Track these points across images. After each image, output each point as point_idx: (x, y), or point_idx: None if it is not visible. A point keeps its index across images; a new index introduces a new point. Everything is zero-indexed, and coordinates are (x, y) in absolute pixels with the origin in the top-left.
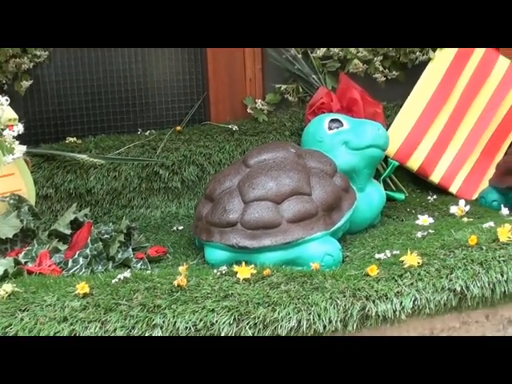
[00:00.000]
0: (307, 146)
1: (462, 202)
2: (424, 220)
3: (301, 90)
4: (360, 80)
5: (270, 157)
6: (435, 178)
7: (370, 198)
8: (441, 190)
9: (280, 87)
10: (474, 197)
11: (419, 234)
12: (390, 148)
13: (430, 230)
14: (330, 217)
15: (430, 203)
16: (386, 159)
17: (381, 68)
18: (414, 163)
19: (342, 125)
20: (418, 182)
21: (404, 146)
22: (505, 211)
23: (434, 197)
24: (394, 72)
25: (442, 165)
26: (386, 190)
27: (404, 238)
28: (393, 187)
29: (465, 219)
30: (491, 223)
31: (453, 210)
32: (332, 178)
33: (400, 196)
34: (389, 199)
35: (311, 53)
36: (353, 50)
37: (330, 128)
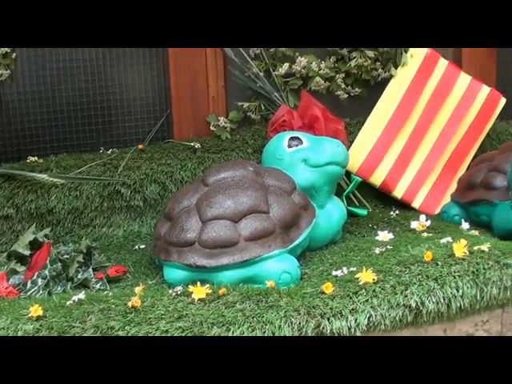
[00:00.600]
0: (267, 164)
1: (422, 217)
2: (384, 236)
3: (263, 107)
4: (322, 97)
5: (229, 175)
6: (398, 193)
7: (330, 214)
8: (404, 205)
9: (242, 105)
10: (437, 211)
11: (377, 251)
12: (353, 164)
13: (389, 246)
14: (288, 234)
15: (392, 218)
16: (349, 175)
17: (343, 85)
18: (377, 179)
19: (302, 142)
20: (381, 197)
21: (367, 162)
22: (465, 226)
23: (397, 212)
24: (356, 89)
25: (405, 180)
26: (349, 205)
27: (363, 255)
28: (356, 203)
29: (424, 234)
30: (449, 238)
31: (413, 225)
32: (290, 195)
33: (362, 212)
34: (352, 215)
35: (273, 71)
36: (314, 67)
37: (289, 146)
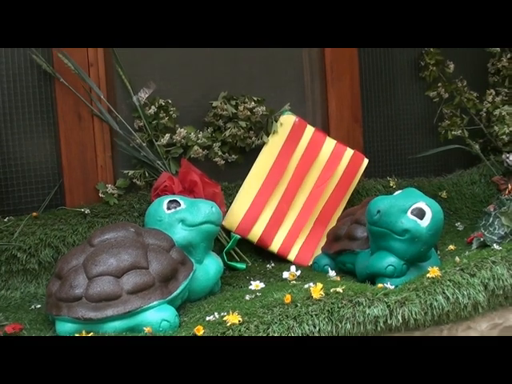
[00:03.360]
0: (149, 225)
1: (293, 268)
2: (256, 285)
3: (147, 174)
4: (202, 164)
5: (112, 236)
6: (274, 247)
7: (208, 268)
8: (280, 259)
9: (127, 172)
10: (310, 263)
11: (247, 297)
12: (232, 223)
13: (258, 293)
14: (167, 287)
15: (268, 270)
16: (229, 233)
17: (220, 153)
18: (254, 236)
19: (180, 205)
20: (260, 251)
21: (244, 221)
22: (332, 273)
23: (273, 264)
24: (233, 155)
25: (280, 236)
26: (229, 261)
27: (235, 302)
28: (237, 258)
29: (293, 282)
30: (311, 283)
31: (285, 275)
32: (169, 252)
33: (242, 266)
34: (232, 269)
35: (156, 141)
36: (193, 137)
37: (168, 208)
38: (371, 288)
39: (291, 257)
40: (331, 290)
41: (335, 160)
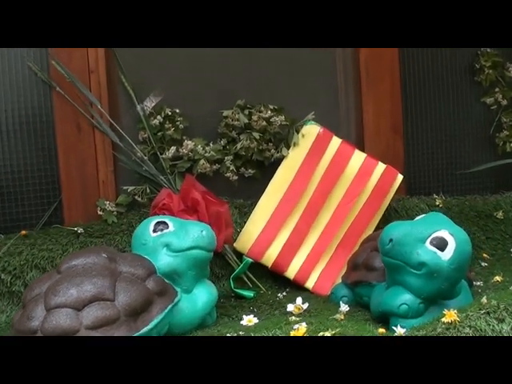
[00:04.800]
0: (134, 249)
1: (299, 300)
2: (249, 320)
3: (148, 190)
4: (215, 180)
5: (80, 262)
6: (290, 273)
7: (196, 299)
8: (298, 286)
9: (127, 189)
10: (329, 292)
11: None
12: (244, 245)
13: (241, 332)
14: (136, 321)
15: (277, 301)
16: (242, 256)
17: (232, 167)
18: (268, 260)
19: (168, 227)
20: (278, 277)
21: (258, 243)
22: (343, 307)
23: (284, 293)
24: (249, 170)
25: (298, 260)
26: (237, 287)
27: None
28: (249, 284)
29: (293, 318)
30: (303, 323)
31: (290, 308)
32: (145, 281)
33: (249, 294)
34: (239, 297)
35: (161, 154)
36: (200, 150)
37: (154, 230)
38: (372, 332)
39: (309, 284)
40: (319, 334)
41: (364, 176)
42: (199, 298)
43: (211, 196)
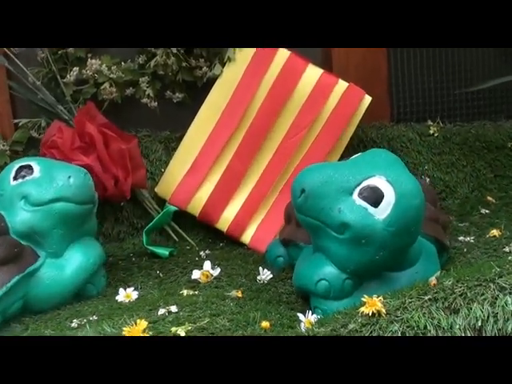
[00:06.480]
0: None
1: (207, 265)
2: (126, 295)
3: (44, 124)
4: (129, 109)
5: None
6: (222, 225)
7: (64, 265)
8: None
9: (19, 122)
10: None
11: (91, 318)
12: (167, 190)
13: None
14: None
15: (194, 262)
16: (164, 204)
17: (148, 91)
18: (195, 207)
19: (33, 172)
20: (212, 229)
21: (183, 187)
22: (264, 275)
23: (207, 252)
24: (177, 94)
25: (232, 208)
26: (150, 244)
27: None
28: (175, 238)
29: (190, 292)
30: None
31: (195, 275)
32: None
33: (164, 252)
34: (155, 255)
35: (62, 78)
36: (106, 71)
37: (15, 177)
38: (253, 325)
39: (245, 239)
40: (172, 330)
41: (319, 98)
42: (69, 263)
43: (113, 129)
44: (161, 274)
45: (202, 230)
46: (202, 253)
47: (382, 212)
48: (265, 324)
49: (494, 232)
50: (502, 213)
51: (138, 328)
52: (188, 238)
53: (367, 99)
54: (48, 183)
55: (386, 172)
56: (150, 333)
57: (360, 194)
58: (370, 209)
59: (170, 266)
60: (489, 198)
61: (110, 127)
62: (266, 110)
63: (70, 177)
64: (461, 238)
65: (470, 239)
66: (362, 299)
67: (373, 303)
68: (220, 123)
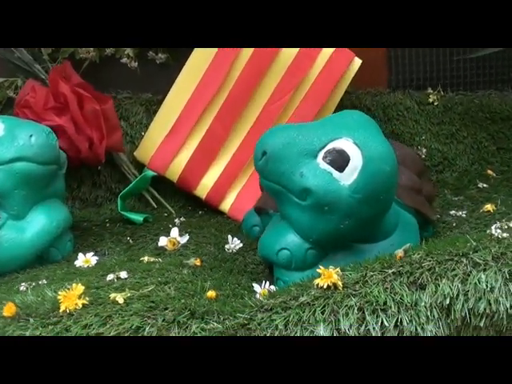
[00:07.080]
0: None
1: (174, 232)
2: (85, 260)
3: (20, 83)
4: (109, 69)
5: None
6: (201, 191)
7: (24, 227)
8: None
9: None
10: None
11: (42, 282)
12: (146, 154)
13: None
14: None
15: (169, 229)
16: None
17: (128, 50)
18: (174, 173)
19: None
20: (192, 196)
21: (161, 151)
22: (234, 243)
23: (182, 219)
24: (160, 54)
25: (211, 175)
26: (125, 210)
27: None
28: (154, 204)
29: (146, 259)
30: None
31: (162, 242)
32: None
33: (138, 218)
34: (130, 222)
35: None
36: None
37: None
38: (198, 299)
39: (225, 207)
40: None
41: (304, 60)
42: (31, 225)
43: (88, 90)
44: (130, 241)
45: (182, 197)
46: (176, 220)
47: (348, 177)
48: (211, 294)
49: (489, 207)
50: (501, 187)
51: (73, 292)
52: (166, 205)
53: (357, 62)
54: (9, 142)
55: (354, 134)
56: (87, 298)
57: (324, 158)
58: (335, 173)
59: (142, 232)
60: (489, 172)
61: (85, 87)
62: (248, 73)
63: (31, 135)
64: (452, 212)
65: (462, 213)
66: (318, 270)
67: (329, 275)
68: (201, 86)
